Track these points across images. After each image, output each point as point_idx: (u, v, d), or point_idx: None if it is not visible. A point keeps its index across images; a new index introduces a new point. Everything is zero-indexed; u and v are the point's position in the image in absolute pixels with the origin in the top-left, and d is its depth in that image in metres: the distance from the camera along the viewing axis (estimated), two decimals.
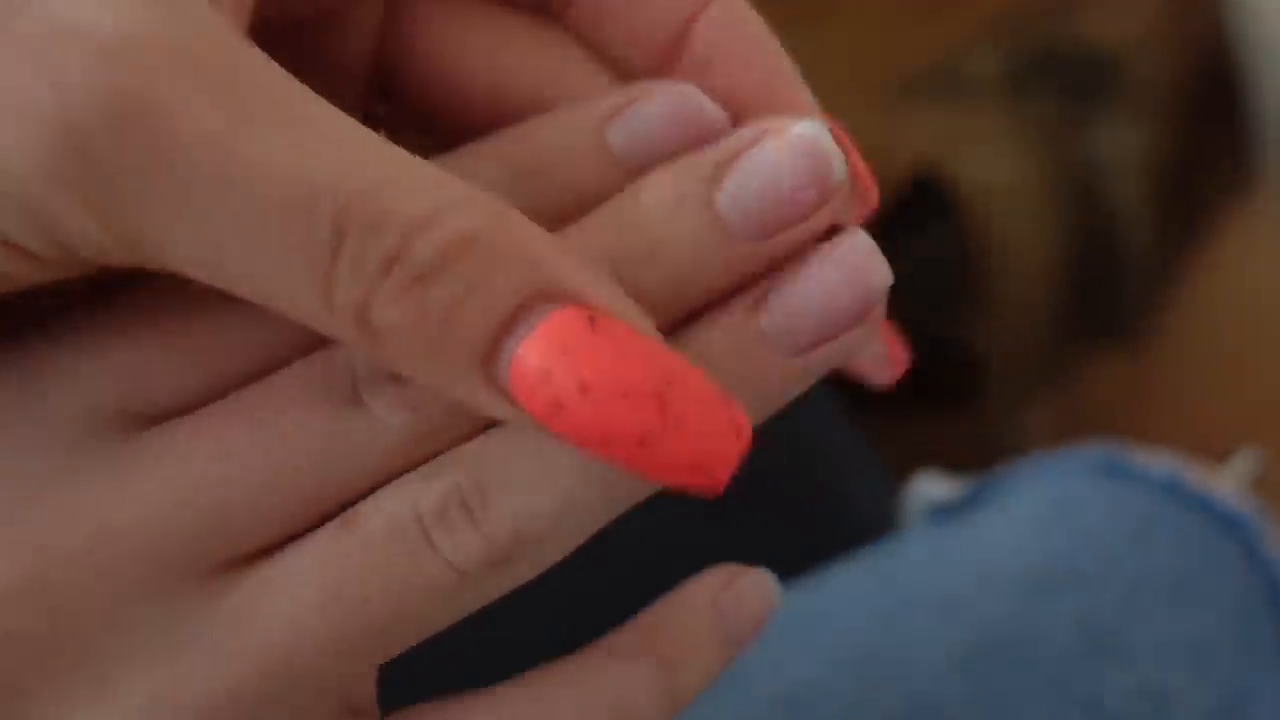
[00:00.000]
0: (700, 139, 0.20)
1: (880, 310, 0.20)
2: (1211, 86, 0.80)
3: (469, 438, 0.18)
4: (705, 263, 0.19)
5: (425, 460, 0.18)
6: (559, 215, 0.19)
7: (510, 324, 0.16)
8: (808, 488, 0.45)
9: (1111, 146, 0.74)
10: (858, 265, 0.19)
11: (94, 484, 0.18)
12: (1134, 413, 0.87)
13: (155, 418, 0.18)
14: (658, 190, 0.19)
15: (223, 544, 0.18)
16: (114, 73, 0.15)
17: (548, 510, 0.18)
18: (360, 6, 0.21)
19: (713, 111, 0.20)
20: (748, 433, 0.17)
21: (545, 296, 0.16)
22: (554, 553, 0.19)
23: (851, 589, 0.38)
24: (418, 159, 0.17)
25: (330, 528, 0.18)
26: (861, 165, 0.21)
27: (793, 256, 0.19)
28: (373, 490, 0.18)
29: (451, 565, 0.18)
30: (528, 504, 0.18)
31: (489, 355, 0.16)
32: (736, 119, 0.20)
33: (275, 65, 0.17)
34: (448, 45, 0.21)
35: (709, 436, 0.17)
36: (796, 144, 0.19)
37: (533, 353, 0.16)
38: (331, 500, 0.18)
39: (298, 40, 0.21)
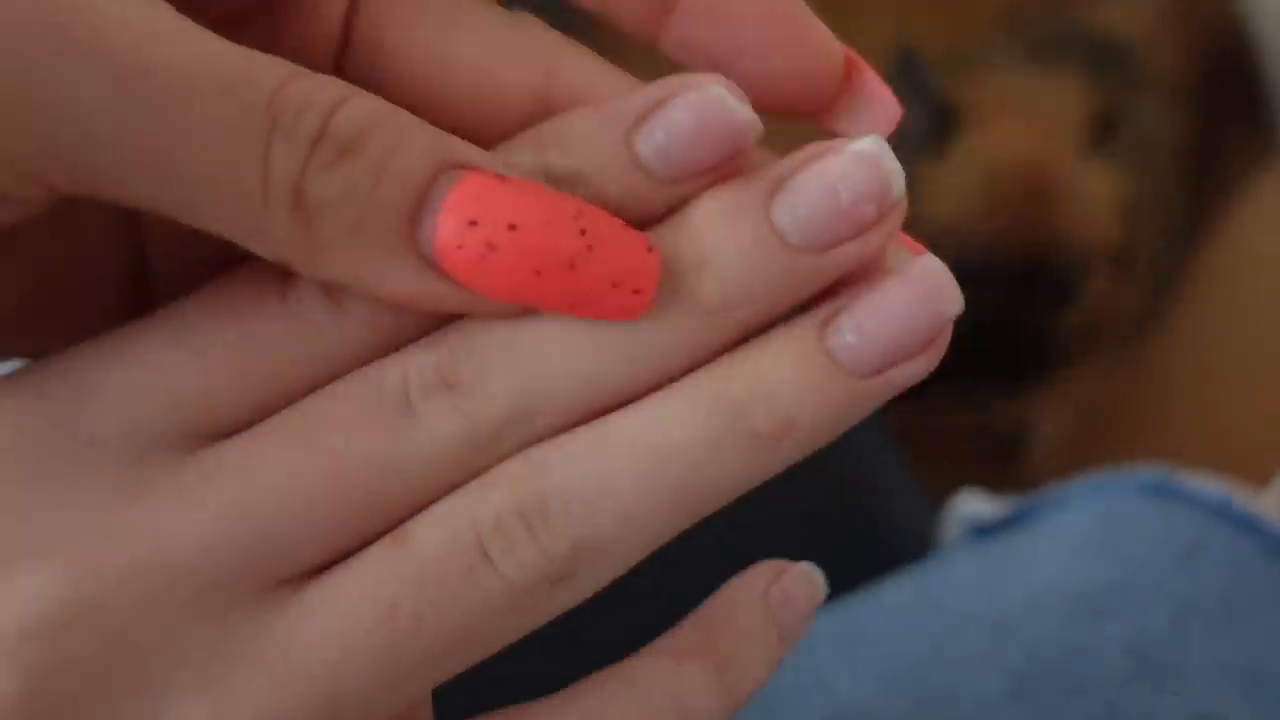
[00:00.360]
0: (731, 143, 0.19)
1: (947, 336, 0.20)
2: (1224, 73, 0.80)
3: (523, 448, 0.19)
4: (759, 272, 0.19)
5: (479, 473, 0.18)
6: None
7: (428, 189, 0.17)
8: (846, 506, 0.45)
9: (1140, 132, 0.74)
10: (931, 289, 0.19)
11: (147, 504, 0.18)
12: (1139, 413, 0.87)
13: (208, 436, 0.18)
14: (713, 201, 0.19)
15: (275, 563, 0.18)
16: None
17: (609, 524, 0.18)
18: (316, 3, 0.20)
19: (741, 111, 0.19)
20: (658, 250, 0.18)
21: (453, 164, 0.18)
22: (613, 568, 0.19)
23: (899, 609, 0.38)
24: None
25: (382, 545, 0.18)
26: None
27: (861, 276, 0.19)
28: (426, 505, 0.18)
29: (509, 581, 0.18)
30: (589, 518, 0.18)
31: (413, 219, 0.17)
32: (754, 64, 0.20)
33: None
34: (422, 41, 0.20)
35: (626, 252, 0.18)
36: (855, 157, 0.19)
37: (455, 209, 0.17)
38: (385, 516, 0.18)
39: (251, 33, 0.20)
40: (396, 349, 0.19)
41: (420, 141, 0.18)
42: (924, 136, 0.70)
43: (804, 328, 0.19)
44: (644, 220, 0.19)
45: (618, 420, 0.19)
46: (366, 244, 0.17)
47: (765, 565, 0.21)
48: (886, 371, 0.19)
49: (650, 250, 0.18)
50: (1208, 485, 0.38)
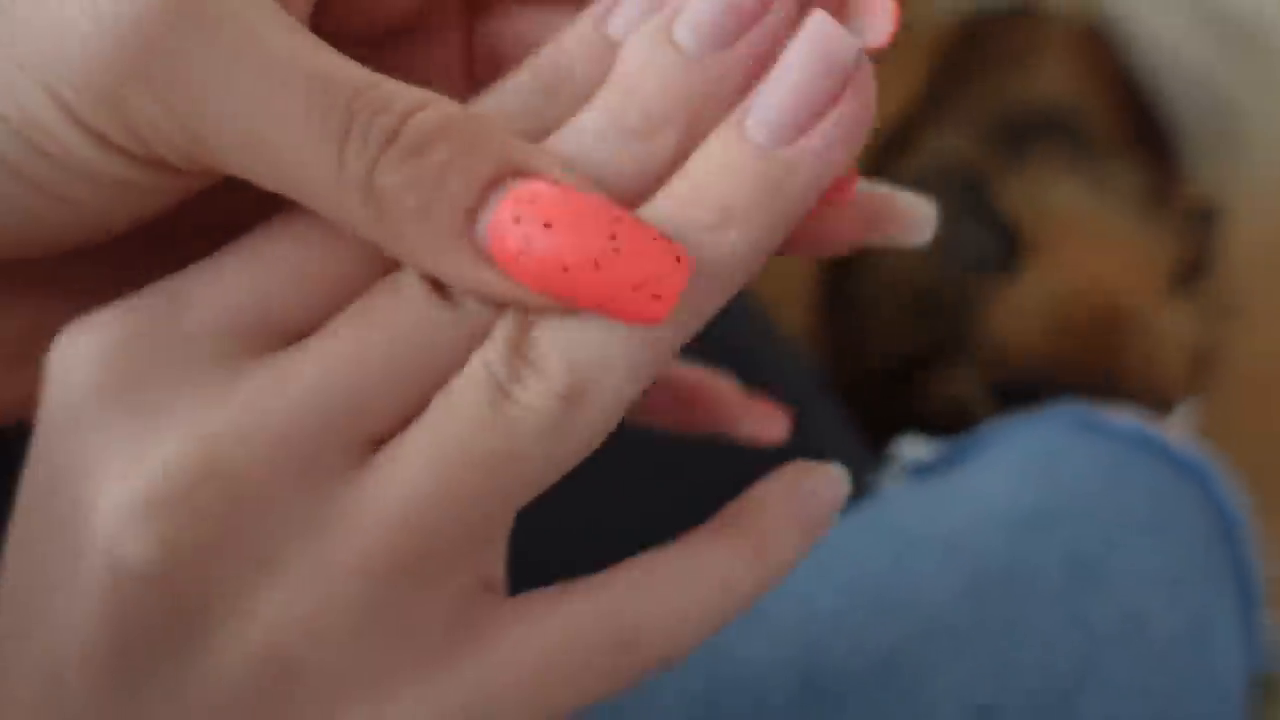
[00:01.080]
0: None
1: (862, 79, 0.21)
2: (1141, 121, 0.84)
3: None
4: (675, 83, 0.21)
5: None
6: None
7: (488, 189, 0.20)
8: (789, 457, 0.48)
9: (1123, 188, 0.75)
10: (821, 40, 0.21)
11: (246, 386, 0.20)
12: None
13: (295, 334, 0.21)
14: (629, 44, 0.22)
15: (358, 424, 0.20)
16: None
17: (591, 349, 0.20)
18: None
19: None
20: (687, 261, 0.20)
21: (516, 171, 0.20)
22: (615, 390, 0.20)
23: (857, 534, 0.41)
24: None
25: (433, 403, 0.20)
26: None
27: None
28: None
29: (525, 406, 0.20)
30: (572, 339, 0.20)
31: (470, 215, 0.20)
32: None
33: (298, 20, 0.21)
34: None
35: (653, 258, 0.20)
36: None
37: (506, 206, 0.20)
38: (438, 381, 0.20)
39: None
40: None
41: (487, 148, 0.20)
42: (990, 260, 0.69)
43: (725, 125, 0.21)
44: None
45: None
46: (430, 232, 0.20)
47: (794, 465, 0.24)
48: (811, 132, 0.21)
49: (679, 260, 0.20)
50: (1125, 419, 0.42)
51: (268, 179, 0.20)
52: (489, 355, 0.20)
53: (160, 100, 0.19)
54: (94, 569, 0.19)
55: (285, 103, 0.19)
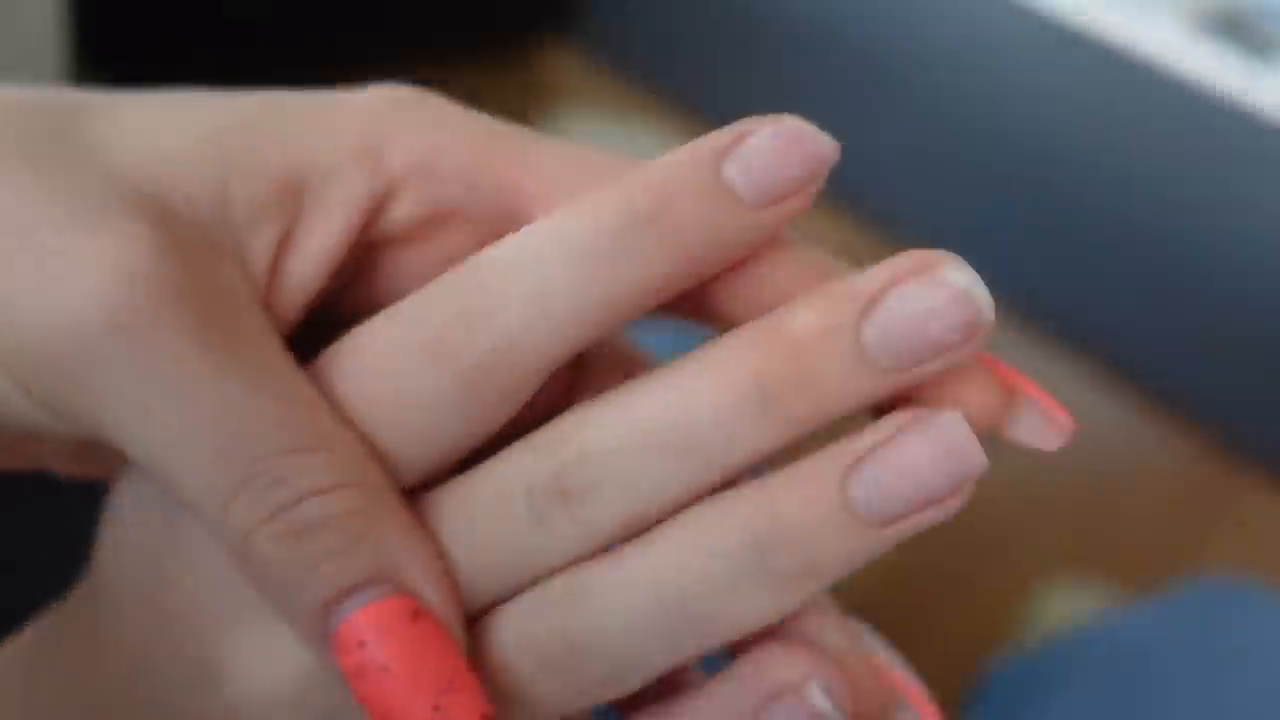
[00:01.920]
0: (812, 168, 0.20)
1: (970, 487, 0.20)
2: None
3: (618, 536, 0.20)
4: (847, 392, 0.20)
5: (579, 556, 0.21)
6: (684, 256, 0.20)
7: (352, 591, 0.19)
8: None
9: None
10: (955, 448, 0.20)
11: None
12: None
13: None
14: (809, 317, 0.20)
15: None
16: (128, 294, 0.19)
17: (629, 659, 0.20)
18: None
19: (822, 137, 0.20)
20: None
21: (387, 579, 0.19)
22: (638, 684, 0.21)
23: None
24: (342, 427, 0.20)
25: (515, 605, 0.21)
26: (1050, 400, 0.21)
27: (889, 430, 0.20)
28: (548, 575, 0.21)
29: (552, 693, 0.21)
30: (611, 657, 0.20)
31: (328, 607, 0.19)
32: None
33: (258, 321, 0.20)
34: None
35: None
36: (950, 290, 0.19)
37: (360, 622, 0.19)
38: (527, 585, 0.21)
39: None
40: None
41: (369, 552, 0.19)
42: None
43: (827, 476, 0.20)
44: (726, 253, 0.20)
45: (656, 556, 0.20)
46: (286, 603, 0.19)
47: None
48: (902, 521, 0.20)
49: None
50: None
51: (151, 471, 0.20)
52: (534, 629, 0.21)
53: (73, 392, 0.19)
54: (222, 710, 0.21)
55: (183, 442, 0.19)
